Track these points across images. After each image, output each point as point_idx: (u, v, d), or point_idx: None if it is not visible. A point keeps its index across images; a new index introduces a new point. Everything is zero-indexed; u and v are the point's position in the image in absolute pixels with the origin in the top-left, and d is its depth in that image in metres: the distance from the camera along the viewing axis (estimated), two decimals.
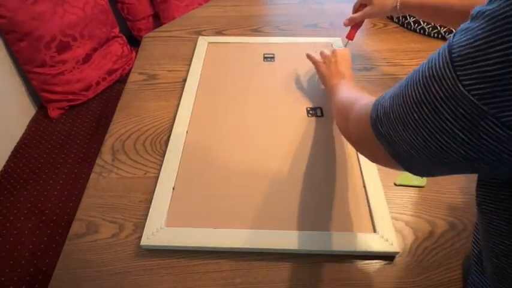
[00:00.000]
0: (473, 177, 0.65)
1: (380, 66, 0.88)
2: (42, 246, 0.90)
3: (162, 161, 0.64)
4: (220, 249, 0.53)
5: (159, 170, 0.63)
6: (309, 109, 0.74)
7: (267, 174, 0.62)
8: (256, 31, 1.01)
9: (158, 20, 1.64)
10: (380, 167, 0.62)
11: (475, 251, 0.43)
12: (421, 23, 0.98)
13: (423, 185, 0.62)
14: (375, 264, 0.52)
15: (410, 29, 1.01)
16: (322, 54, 0.73)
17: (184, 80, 0.81)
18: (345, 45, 0.84)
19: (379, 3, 0.74)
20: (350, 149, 0.66)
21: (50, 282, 0.50)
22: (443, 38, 0.97)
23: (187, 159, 0.64)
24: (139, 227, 0.57)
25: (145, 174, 0.64)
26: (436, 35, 0.98)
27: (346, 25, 0.80)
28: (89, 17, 1.31)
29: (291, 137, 0.68)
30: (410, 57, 0.91)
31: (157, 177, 0.62)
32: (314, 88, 0.79)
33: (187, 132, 0.69)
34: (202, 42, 0.92)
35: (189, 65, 0.85)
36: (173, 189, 0.60)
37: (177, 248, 0.53)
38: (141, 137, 0.71)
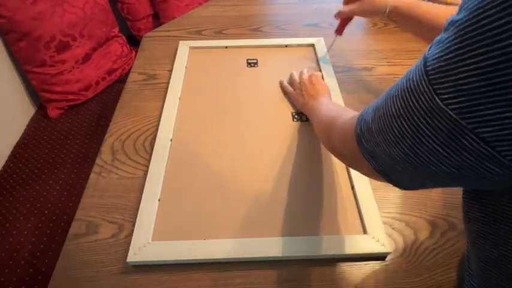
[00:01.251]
0: None
1: (380, 66, 0.88)
2: (41, 246, 0.90)
3: (146, 171, 0.62)
4: (212, 261, 0.52)
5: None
6: (294, 114, 0.73)
7: (255, 180, 0.61)
8: (256, 31, 1.01)
9: (158, 19, 1.64)
10: None
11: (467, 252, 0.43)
12: None
13: None
14: (374, 265, 0.52)
15: None
16: (293, 83, 0.76)
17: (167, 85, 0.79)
18: (331, 45, 0.86)
19: (369, 2, 0.72)
20: None
21: (49, 283, 0.50)
22: None
23: (172, 169, 0.63)
24: None
25: (144, 174, 0.64)
26: None
27: (336, 18, 0.80)
28: (89, 16, 1.30)
29: (277, 142, 0.68)
30: (410, 57, 0.91)
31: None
32: None
33: (171, 140, 0.68)
34: (183, 47, 0.90)
35: (171, 70, 0.83)
36: (159, 201, 0.58)
37: (166, 262, 0.52)
38: (141, 137, 0.71)
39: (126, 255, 0.51)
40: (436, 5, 0.63)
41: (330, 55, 0.88)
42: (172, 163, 0.64)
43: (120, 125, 0.73)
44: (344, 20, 0.80)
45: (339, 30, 0.82)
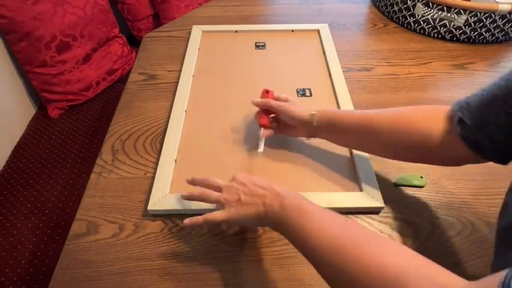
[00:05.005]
0: (473, 177, 0.65)
1: (380, 66, 0.88)
2: (42, 246, 0.90)
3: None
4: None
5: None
6: (298, 90, 0.79)
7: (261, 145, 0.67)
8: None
9: (158, 20, 1.64)
10: None
11: None
12: (421, 23, 0.98)
13: (423, 185, 0.62)
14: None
15: (410, 29, 1.01)
16: (214, 199, 0.48)
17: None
18: (261, 139, 0.63)
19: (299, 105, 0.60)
20: None
21: (50, 283, 0.50)
22: (444, 38, 0.97)
23: (187, 135, 0.70)
24: (140, 227, 0.57)
25: (145, 174, 0.64)
26: (436, 35, 0.98)
27: (253, 103, 0.63)
28: (89, 17, 1.31)
29: None
30: (411, 57, 0.92)
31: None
32: (303, 71, 0.85)
33: (186, 111, 0.74)
34: (196, 31, 0.97)
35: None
36: (175, 161, 0.65)
37: (180, 212, 0.57)
38: (141, 137, 0.71)
39: (127, 255, 0.52)
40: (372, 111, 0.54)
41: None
42: (187, 130, 0.71)
43: (121, 125, 0.73)
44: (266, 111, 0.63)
45: (265, 121, 0.63)
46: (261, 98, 0.64)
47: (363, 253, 0.34)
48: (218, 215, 0.46)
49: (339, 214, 0.41)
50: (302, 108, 0.60)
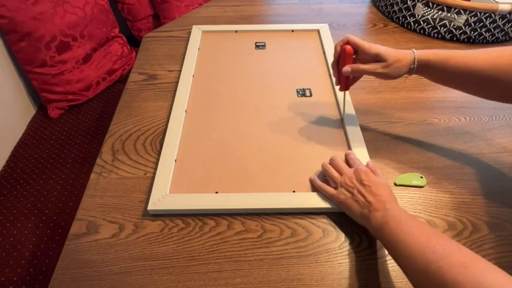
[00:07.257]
0: (473, 177, 0.65)
1: None
2: (42, 246, 0.90)
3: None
4: (221, 212, 0.58)
5: None
6: (298, 90, 0.79)
7: (261, 145, 0.68)
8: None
9: (158, 20, 1.64)
10: (368, 144, 0.67)
11: None
12: (421, 23, 0.98)
13: (423, 185, 0.62)
14: (376, 261, 0.52)
15: (410, 29, 1.01)
16: (332, 179, 0.58)
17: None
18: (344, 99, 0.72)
19: (397, 65, 0.57)
20: (337, 123, 0.72)
21: (50, 282, 0.50)
22: (443, 38, 0.97)
23: (187, 135, 0.70)
24: (140, 227, 0.57)
25: (145, 174, 0.64)
26: (436, 35, 0.98)
27: (345, 73, 0.62)
28: (89, 17, 1.31)
29: (283, 114, 0.75)
30: None
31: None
32: (303, 71, 0.85)
33: (186, 111, 0.74)
34: (196, 31, 0.97)
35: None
36: (175, 161, 0.65)
37: (180, 212, 0.57)
38: (141, 137, 0.71)
39: (127, 255, 0.52)
40: (476, 51, 0.54)
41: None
42: (187, 130, 0.71)
43: (121, 125, 0.73)
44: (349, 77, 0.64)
45: (345, 86, 0.66)
46: (339, 56, 0.62)
47: (459, 275, 0.36)
48: (330, 191, 0.57)
49: (433, 229, 0.44)
50: (394, 53, 0.57)
